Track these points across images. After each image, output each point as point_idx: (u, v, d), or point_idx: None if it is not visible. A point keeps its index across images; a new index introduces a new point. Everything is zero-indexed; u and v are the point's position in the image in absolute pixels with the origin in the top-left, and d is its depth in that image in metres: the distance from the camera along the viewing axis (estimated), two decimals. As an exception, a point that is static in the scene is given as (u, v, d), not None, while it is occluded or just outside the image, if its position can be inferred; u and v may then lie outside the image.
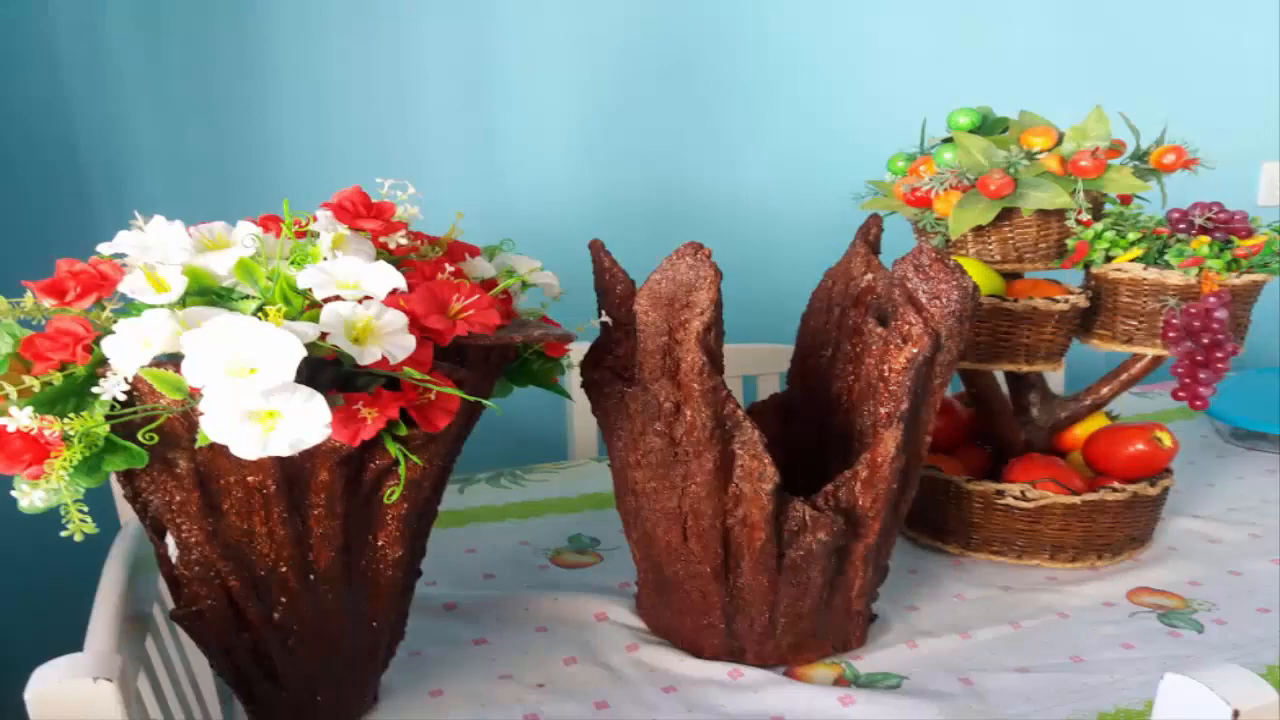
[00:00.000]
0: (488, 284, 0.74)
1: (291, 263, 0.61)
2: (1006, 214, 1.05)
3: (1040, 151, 1.05)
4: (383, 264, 0.60)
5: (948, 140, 1.10)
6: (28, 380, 0.56)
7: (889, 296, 0.87)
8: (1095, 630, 0.94)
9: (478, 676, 0.87)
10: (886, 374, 0.85)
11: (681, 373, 0.77)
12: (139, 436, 0.59)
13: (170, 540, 0.72)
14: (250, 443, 0.53)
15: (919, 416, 0.87)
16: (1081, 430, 1.16)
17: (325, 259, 0.61)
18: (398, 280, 0.60)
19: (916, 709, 0.81)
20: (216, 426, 0.52)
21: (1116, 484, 1.05)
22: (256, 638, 0.72)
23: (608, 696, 0.84)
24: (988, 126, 1.10)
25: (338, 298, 0.59)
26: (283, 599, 0.71)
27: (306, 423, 0.53)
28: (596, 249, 0.88)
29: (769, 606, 0.86)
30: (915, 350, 0.82)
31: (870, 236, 0.96)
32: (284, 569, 0.70)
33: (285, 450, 0.54)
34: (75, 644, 0.66)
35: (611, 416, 0.87)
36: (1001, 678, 0.86)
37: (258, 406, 0.52)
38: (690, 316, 0.76)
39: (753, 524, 0.82)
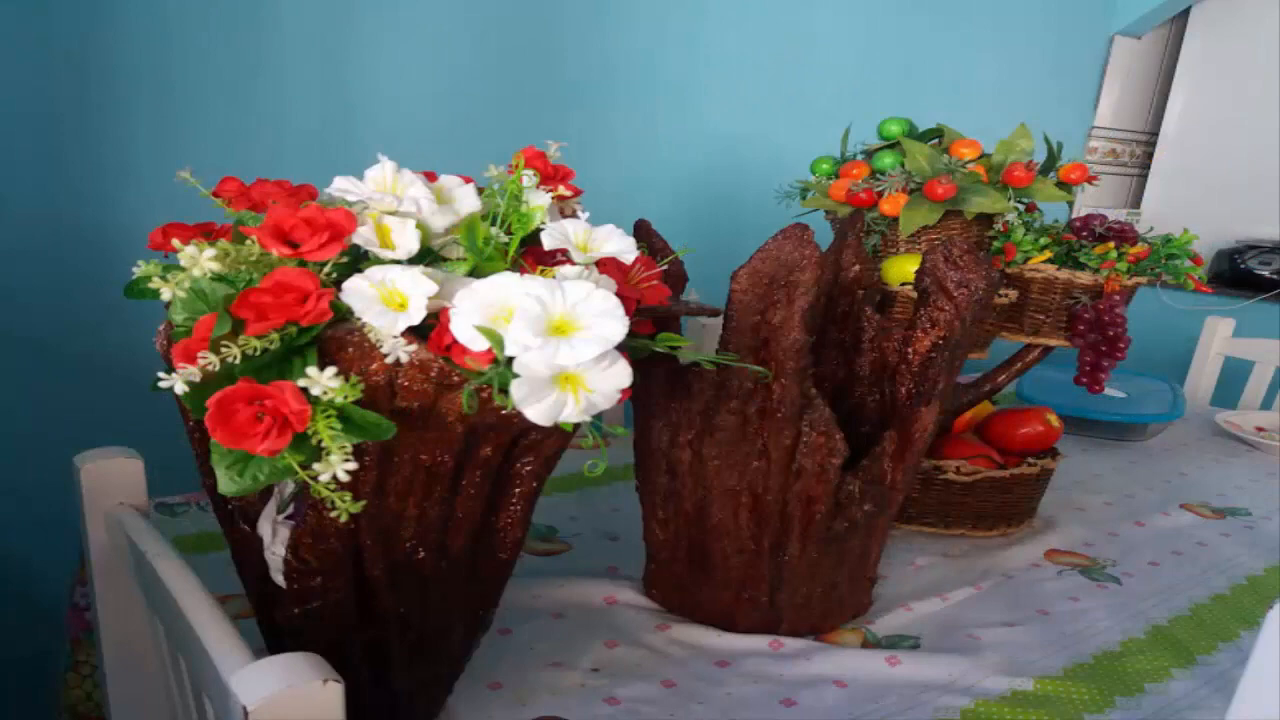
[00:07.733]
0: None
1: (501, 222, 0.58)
2: (945, 215, 1.16)
3: (969, 161, 1.17)
4: (613, 228, 0.58)
5: (888, 146, 1.19)
6: (253, 342, 0.49)
7: (917, 284, 0.93)
8: (1041, 587, 1.06)
9: (526, 666, 0.84)
10: (910, 356, 0.92)
11: (780, 349, 0.79)
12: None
13: (268, 531, 0.65)
14: (553, 408, 0.50)
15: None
16: (969, 413, 1.29)
17: (544, 221, 0.58)
18: (631, 244, 0.58)
19: (956, 664, 0.87)
20: (526, 390, 0.49)
21: (1030, 459, 1.19)
22: (376, 636, 0.66)
23: (667, 675, 0.84)
24: (920, 136, 1.21)
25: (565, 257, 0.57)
26: (413, 586, 0.66)
27: (606, 387, 0.51)
28: (645, 229, 0.88)
29: (811, 577, 0.89)
30: (944, 335, 0.89)
31: (858, 229, 1.03)
32: (422, 554, 0.65)
33: (577, 416, 0.51)
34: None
35: (657, 396, 0.88)
36: (998, 632, 0.95)
37: (576, 369, 0.49)
38: (795, 295, 0.78)
39: (812, 498, 0.85)
